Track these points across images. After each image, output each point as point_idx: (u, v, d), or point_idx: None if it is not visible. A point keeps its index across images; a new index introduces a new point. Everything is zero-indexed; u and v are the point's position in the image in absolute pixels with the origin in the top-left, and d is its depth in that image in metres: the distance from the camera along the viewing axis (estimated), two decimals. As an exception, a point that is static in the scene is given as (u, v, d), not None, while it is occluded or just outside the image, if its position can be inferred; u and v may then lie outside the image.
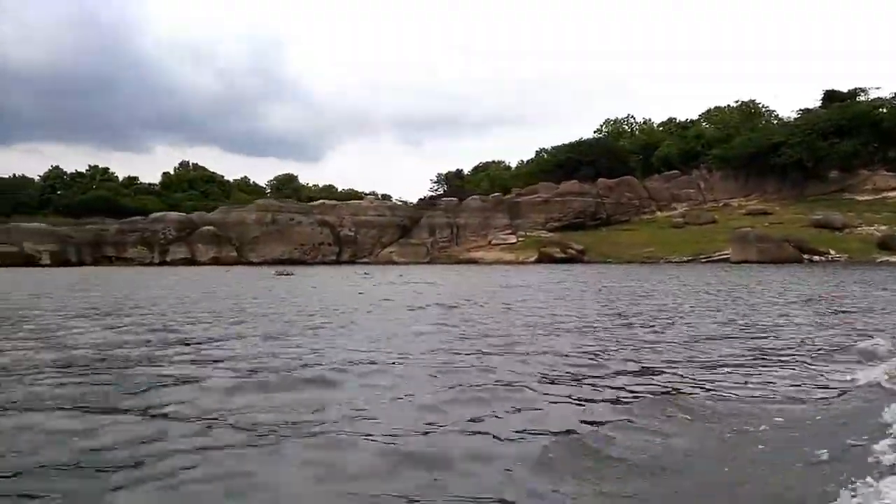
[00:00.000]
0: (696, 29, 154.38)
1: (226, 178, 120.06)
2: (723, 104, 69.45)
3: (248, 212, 41.08)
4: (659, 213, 51.17)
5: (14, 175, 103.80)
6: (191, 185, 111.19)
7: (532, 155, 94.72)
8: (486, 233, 46.76)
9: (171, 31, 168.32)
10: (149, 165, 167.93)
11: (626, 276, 23.21)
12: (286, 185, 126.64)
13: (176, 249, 38.32)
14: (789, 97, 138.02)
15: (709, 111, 70.51)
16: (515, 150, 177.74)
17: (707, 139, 56.92)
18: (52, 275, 25.85)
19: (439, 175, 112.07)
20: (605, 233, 47.64)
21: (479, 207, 47.02)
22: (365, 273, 27.02)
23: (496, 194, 48.87)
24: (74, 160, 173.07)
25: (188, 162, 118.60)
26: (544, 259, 42.31)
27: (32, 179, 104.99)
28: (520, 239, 46.31)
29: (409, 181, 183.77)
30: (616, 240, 45.91)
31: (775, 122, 59.58)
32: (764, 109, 62.55)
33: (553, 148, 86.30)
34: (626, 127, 74.21)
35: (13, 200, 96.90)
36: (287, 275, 23.47)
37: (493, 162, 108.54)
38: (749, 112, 61.02)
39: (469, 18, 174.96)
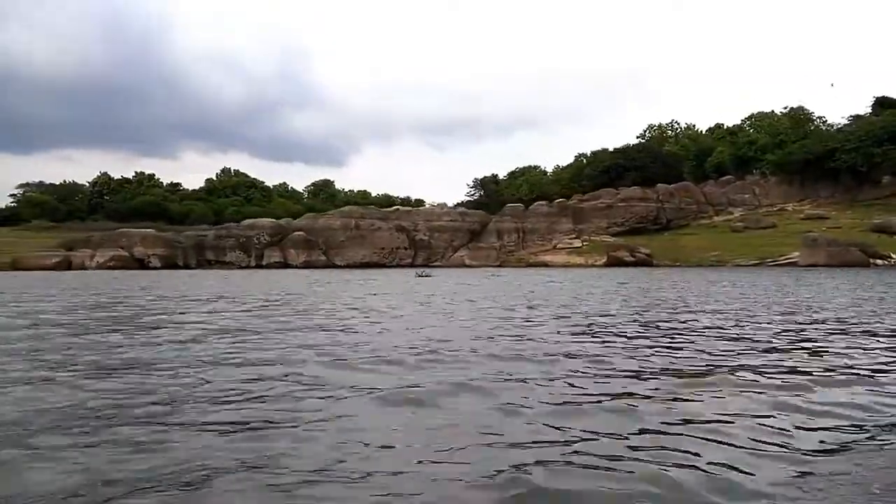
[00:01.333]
0: (724, 31, 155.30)
1: (266, 183, 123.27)
2: (767, 109, 70.98)
3: (334, 218, 43.40)
4: (716, 218, 52.70)
5: (65, 181, 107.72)
6: (233, 190, 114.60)
7: (563, 158, 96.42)
8: (552, 237, 48.68)
9: (200, 39, 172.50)
10: (178, 171, 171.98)
11: (728, 281, 21.93)
12: (323, 191, 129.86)
13: (270, 253, 40.68)
14: (832, 102, 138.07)
15: (751, 116, 71.97)
16: (539, 154, 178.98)
17: (759, 145, 58.31)
18: (225, 277, 28.13)
19: (475, 180, 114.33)
20: (666, 237, 49.30)
21: (544, 213, 48.94)
22: (492, 274, 29.40)
23: (560, 199, 50.76)
24: (106, 166, 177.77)
25: (229, 168, 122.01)
26: (613, 262, 44.08)
27: (82, 185, 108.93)
28: (584, 243, 48.17)
29: (432, 184, 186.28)
30: (679, 244, 47.57)
31: (825, 127, 60.77)
32: (815, 117, 63.71)
33: (592, 153, 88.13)
34: (671, 132, 75.70)
35: (67, 206, 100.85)
36: (427, 276, 25.59)
37: (529, 167, 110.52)
38: (798, 118, 62.23)
39: (490, 22, 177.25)
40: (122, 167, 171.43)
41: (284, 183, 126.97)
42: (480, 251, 46.59)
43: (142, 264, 36.36)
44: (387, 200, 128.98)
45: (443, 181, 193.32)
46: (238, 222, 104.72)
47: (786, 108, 65.26)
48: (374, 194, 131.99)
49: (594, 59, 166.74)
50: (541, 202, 50.60)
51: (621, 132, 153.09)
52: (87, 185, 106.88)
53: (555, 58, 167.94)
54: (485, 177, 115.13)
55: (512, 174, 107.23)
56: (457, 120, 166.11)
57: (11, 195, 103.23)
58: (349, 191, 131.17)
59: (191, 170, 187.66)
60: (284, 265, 40.86)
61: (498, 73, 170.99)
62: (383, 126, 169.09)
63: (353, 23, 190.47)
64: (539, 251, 47.46)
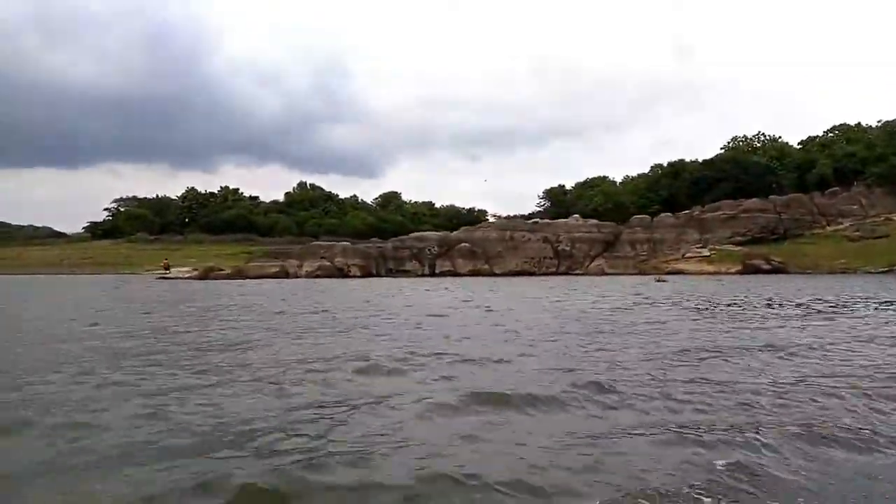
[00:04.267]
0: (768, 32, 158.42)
1: (340, 196, 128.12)
2: (851, 122, 74.32)
3: (490, 230, 47.44)
4: (828, 228, 55.86)
5: (157, 196, 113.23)
6: (311, 203, 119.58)
7: (602, 167, 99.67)
8: (679, 246, 52.18)
9: (239, 53, 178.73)
10: (217, 184, 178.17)
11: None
12: (391, 202, 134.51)
13: (441, 263, 44.67)
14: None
15: (833, 128, 75.30)
16: (577, 164, 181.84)
17: (859, 158, 61.45)
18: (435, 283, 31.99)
19: (546, 191, 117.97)
20: (788, 246, 52.58)
21: (672, 224, 52.50)
22: (658, 279, 33.06)
23: (686, 212, 54.20)
24: (148, 179, 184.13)
25: (305, 182, 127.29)
26: (749, 270, 47.45)
27: (172, 199, 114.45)
28: (711, 252, 51.58)
29: (466, 195, 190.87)
30: (802, 252, 50.85)
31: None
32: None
33: (670, 164, 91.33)
34: (757, 144, 78.89)
35: (161, 219, 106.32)
36: (663, 281, 29.29)
37: (599, 177, 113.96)
38: (893, 131, 65.21)
39: (526, 34, 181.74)
40: (163, 180, 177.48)
41: (355, 195, 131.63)
42: (617, 260, 50.20)
43: (342, 273, 40.43)
44: (452, 210, 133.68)
45: (477, 191, 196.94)
46: (317, 235, 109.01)
47: (879, 121, 68.62)
48: (437, 205, 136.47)
49: (628, 69, 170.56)
50: (667, 214, 54.18)
51: (661, 142, 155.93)
52: (177, 199, 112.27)
53: (588, 68, 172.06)
54: (552, 188, 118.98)
55: (582, 185, 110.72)
56: (491, 130, 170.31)
57: (106, 209, 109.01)
58: (414, 202, 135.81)
59: (230, 183, 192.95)
60: (454, 273, 44.78)
61: (533, 84, 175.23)
62: (418, 137, 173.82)
63: (390, 36, 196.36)
64: (670, 260, 50.97)
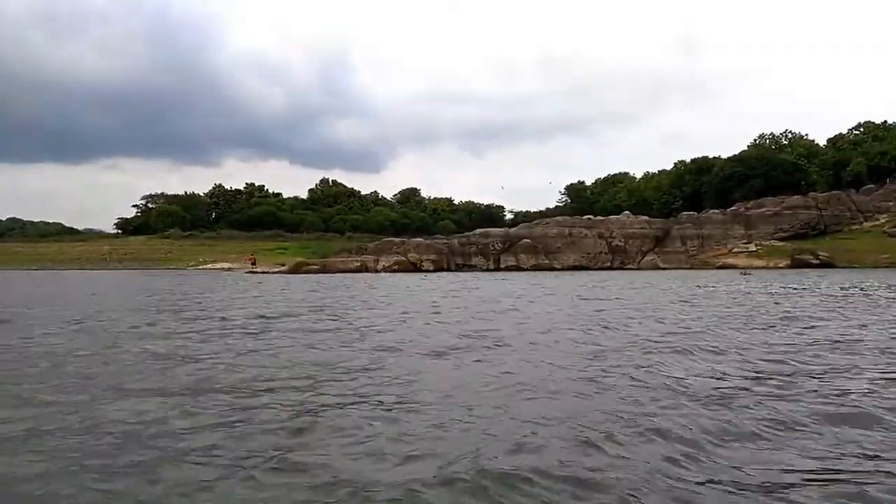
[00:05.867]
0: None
1: (362, 192, 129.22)
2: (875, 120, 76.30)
3: (550, 227, 49.12)
4: (866, 224, 57.90)
5: (186, 192, 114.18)
6: (335, 199, 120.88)
7: (608, 163, 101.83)
8: (726, 241, 54.04)
9: (243, 47, 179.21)
10: (220, 178, 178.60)
11: None
12: (411, 199, 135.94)
13: (506, 258, 46.38)
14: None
15: (859, 125, 77.35)
16: (582, 158, 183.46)
17: (892, 156, 63.55)
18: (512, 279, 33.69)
19: (567, 187, 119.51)
20: (829, 241, 54.56)
21: (719, 220, 54.40)
22: (745, 272, 34.87)
23: (733, 208, 56.08)
24: (152, 174, 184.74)
25: (327, 179, 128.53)
26: (798, 264, 49.37)
27: (199, 195, 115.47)
28: (758, 247, 53.49)
29: (472, 190, 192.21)
30: (845, 247, 52.84)
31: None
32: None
33: (692, 160, 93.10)
34: (784, 141, 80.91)
35: (191, 216, 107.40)
36: (748, 274, 31.09)
37: (620, 174, 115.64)
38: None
39: (530, 29, 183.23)
40: (167, 175, 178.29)
41: (376, 191, 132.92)
42: (669, 255, 52.05)
43: (415, 267, 42.06)
44: (471, 206, 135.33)
45: (479, 185, 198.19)
46: (342, 231, 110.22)
47: (900, 119, 70.67)
48: (457, 201, 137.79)
49: (635, 64, 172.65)
50: (714, 210, 56.03)
51: (669, 138, 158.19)
52: (204, 196, 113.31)
53: (594, 62, 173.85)
54: (572, 184, 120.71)
55: (604, 181, 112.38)
56: (495, 125, 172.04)
57: (135, 206, 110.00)
58: (434, 198, 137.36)
59: (233, 177, 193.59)
60: (517, 268, 46.49)
61: (538, 78, 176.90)
62: (421, 132, 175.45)
63: (393, 31, 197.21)
64: (719, 254, 52.89)
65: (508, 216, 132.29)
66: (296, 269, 39.03)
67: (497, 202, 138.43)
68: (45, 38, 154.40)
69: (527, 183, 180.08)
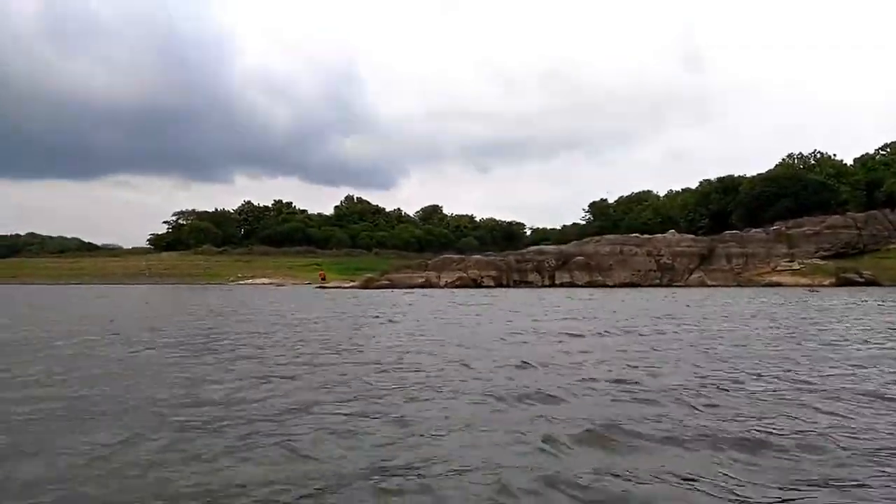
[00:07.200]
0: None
1: (387, 209, 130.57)
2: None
3: (602, 245, 50.32)
4: (902, 242, 59.03)
5: (217, 209, 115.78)
6: (360, 216, 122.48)
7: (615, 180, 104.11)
8: (770, 260, 55.12)
9: (252, 66, 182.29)
10: (230, 195, 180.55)
11: None
12: (433, 216, 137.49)
13: (561, 275, 47.49)
14: None
15: (886, 146, 78.76)
16: (590, 175, 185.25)
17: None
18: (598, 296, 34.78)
19: (590, 205, 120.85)
20: (868, 260, 55.62)
21: (762, 238, 55.60)
22: (813, 290, 35.81)
23: (775, 227, 57.12)
24: (161, 191, 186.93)
25: (353, 196, 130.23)
26: (843, 283, 50.36)
27: (229, 211, 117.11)
28: (801, 266, 54.56)
29: (471, 205, 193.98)
30: (886, 266, 53.87)
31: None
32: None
33: (718, 179, 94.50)
34: (813, 161, 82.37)
35: (223, 232, 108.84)
36: (816, 291, 32.17)
37: (643, 192, 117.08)
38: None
39: (531, 44, 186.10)
40: (175, 191, 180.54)
41: (399, 209, 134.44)
42: (715, 273, 53.12)
43: (475, 283, 43.17)
44: (492, 223, 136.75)
45: (486, 202, 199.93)
46: (369, 247, 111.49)
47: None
48: (478, 218, 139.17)
49: (638, 82, 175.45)
50: (757, 229, 57.13)
51: (674, 156, 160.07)
52: (233, 212, 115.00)
53: (599, 81, 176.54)
54: (594, 202, 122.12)
55: (628, 199, 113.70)
56: (502, 142, 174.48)
57: (166, 222, 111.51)
58: (455, 215, 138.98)
59: (240, 194, 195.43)
60: (572, 284, 47.56)
61: (544, 96, 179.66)
62: (430, 149, 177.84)
63: (401, 49, 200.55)
64: (763, 273, 53.95)
65: (528, 233, 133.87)
66: (366, 285, 40.23)
67: (491, 215, 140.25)
68: (56, 53, 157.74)
69: (530, 199, 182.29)
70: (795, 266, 54.93)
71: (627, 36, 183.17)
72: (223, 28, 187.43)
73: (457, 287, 42.96)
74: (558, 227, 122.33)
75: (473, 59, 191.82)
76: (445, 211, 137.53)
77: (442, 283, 43.31)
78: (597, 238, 53.12)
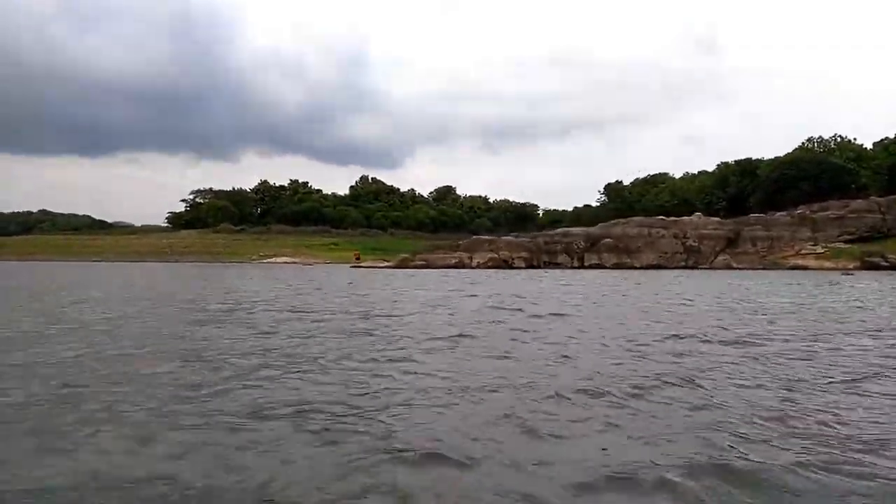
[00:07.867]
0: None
1: (401, 189, 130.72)
2: None
3: (630, 227, 50.66)
4: (925, 226, 59.15)
5: (234, 188, 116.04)
6: (375, 196, 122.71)
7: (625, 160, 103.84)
8: (794, 244, 55.47)
9: (262, 44, 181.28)
10: (237, 173, 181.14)
11: None
12: (447, 196, 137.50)
13: (589, 256, 47.98)
14: None
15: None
16: (598, 156, 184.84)
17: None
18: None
19: (606, 186, 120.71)
20: (893, 244, 55.82)
21: (787, 222, 55.89)
22: (845, 272, 36.32)
23: (799, 211, 57.34)
24: (169, 168, 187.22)
25: (367, 176, 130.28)
26: (868, 266, 50.73)
27: (246, 191, 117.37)
28: (825, 249, 54.92)
29: (488, 186, 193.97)
30: (909, 250, 54.19)
31: None
32: None
33: (736, 162, 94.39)
34: (833, 145, 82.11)
35: (240, 210, 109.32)
36: (851, 274, 32.64)
37: (660, 174, 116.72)
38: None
39: (541, 24, 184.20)
40: (183, 169, 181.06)
41: (412, 189, 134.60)
42: (741, 255, 53.55)
43: (507, 264, 43.74)
44: (506, 205, 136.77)
45: (498, 182, 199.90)
46: (384, 227, 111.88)
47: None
48: (492, 200, 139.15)
49: (653, 62, 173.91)
50: (781, 213, 57.41)
51: (685, 139, 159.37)
52: (250, 191, 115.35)
53: (611, 62, 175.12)
54: (609, 184, 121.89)
55: (644, 181, 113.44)
56: (512, 123, 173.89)
57: (184, 200, 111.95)
58: (469, 196, 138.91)
59: (249, 172, 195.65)
60: (600, 266, 48.09)
61: (556, 77, 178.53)
62: (439, 129, 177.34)
63: (412, 29, 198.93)
64: (788, 256, 54.35)
65: (541, 214, 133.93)
66: (401, 265, 40.86)
67: (502, 196, 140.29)
68: (70, 31, 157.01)
69: (539, 180, 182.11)
70: (819, 249, 55.30)
71: (642, 17, 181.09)
72: (234, 9, 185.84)
73: (489, 267, 43.53)
74: (570, 209, 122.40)
75: (485, 42, 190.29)
76: (458, 192, 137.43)
77: (474, 263, 43.89)
78: (624, 220, 53.46)
